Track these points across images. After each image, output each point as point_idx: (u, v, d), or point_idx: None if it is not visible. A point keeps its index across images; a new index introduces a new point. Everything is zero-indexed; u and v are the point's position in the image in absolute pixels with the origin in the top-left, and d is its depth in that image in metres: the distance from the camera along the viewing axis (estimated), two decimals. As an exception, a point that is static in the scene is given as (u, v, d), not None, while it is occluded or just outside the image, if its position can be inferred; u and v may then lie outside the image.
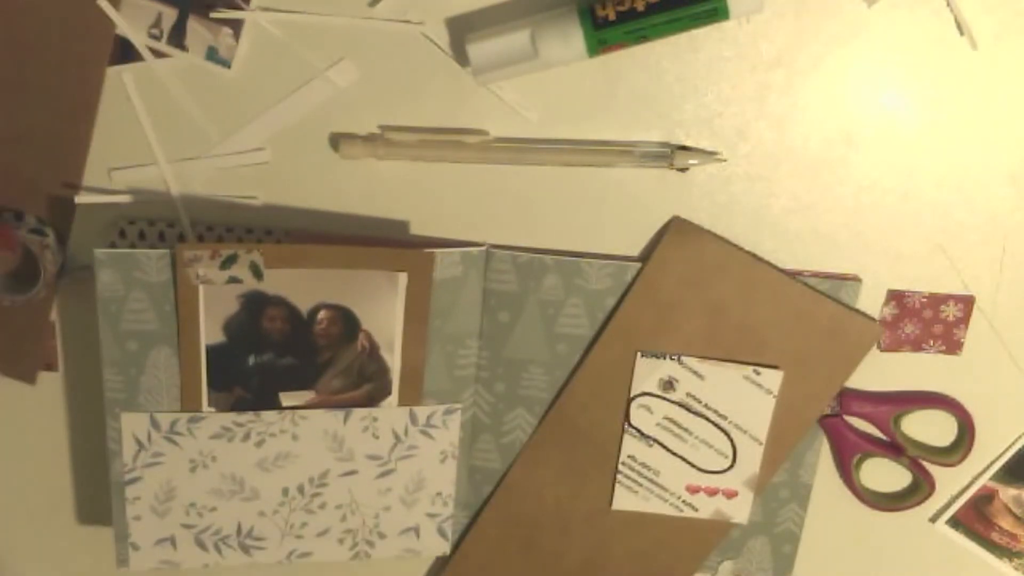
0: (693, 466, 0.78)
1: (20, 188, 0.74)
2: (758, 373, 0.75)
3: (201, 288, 0.72)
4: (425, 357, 0.75)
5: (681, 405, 0.76)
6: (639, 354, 0.75)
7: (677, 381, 0.76)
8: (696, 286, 0.74)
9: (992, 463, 0.79)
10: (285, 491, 0.78)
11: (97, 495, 0.81)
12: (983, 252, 0.74)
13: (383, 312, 0.74)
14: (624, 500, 0.79)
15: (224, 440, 0.76)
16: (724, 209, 0.74)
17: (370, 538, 0.80)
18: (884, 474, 0.79)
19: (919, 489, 0.79)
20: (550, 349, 0.76)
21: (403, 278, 0.73)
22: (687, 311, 0.74)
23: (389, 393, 0.76)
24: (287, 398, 0.76)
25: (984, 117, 0.71)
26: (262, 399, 0.75)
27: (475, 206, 0.74)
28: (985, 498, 0.79)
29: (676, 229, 0.73)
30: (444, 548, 0.81)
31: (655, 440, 0.77)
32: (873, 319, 0.75)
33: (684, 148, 0.72)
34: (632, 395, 0.76)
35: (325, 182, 0.74)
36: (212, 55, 0.71)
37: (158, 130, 0.73)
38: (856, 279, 0.74)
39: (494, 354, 0.77)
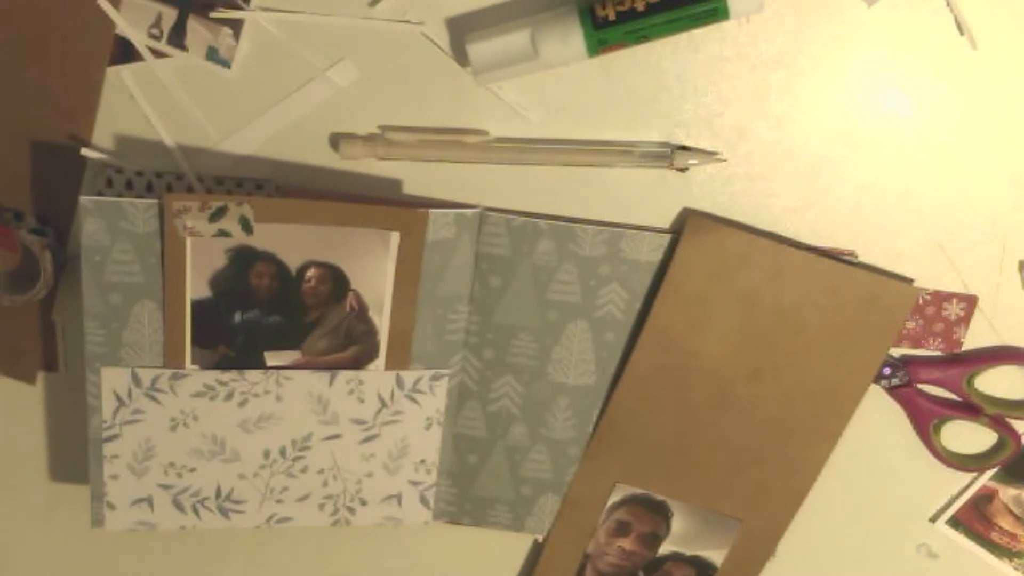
0: None
1: (20, 188, 0.74)
2: None
3: (188, 241, 0.70)
4: (414, 320, 0.74)
5: None
6: None
7: None
8: (723, 279, 0.73)
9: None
10: (267, 453, 0.76)
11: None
12: (983, 252, 0.74)
13: (373, 272, 0.72)
14: None
15: (206, 399, 0.74)
16: (724, 209, 0.74)
17: (351, 504, 0.78)
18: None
19: (1005, 446, 0.77)
20: (541, 316, 0.75)
21: (395, 237, 0.71)
22: (718, 305, 0.74)
23: (376, 356, 0.75)
24: (272, 357, 0.74)
25: (984, 117, 0.71)
26: (247, 358, 0.74)
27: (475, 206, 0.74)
28: (985, 498, 0.79)
29: (693, 227, 0.72)
30: (426, 516, 0.79)
31: None
32: (909, 280, 0.74)
33: (684, 148, 0.72)
34: None
35: (325, 182, 0.74)
36: (212, 55, 0.71)
37: (158, 130, 0.73)
38: (852, 254, 0.74)
39: (484, 319, 0.75)
